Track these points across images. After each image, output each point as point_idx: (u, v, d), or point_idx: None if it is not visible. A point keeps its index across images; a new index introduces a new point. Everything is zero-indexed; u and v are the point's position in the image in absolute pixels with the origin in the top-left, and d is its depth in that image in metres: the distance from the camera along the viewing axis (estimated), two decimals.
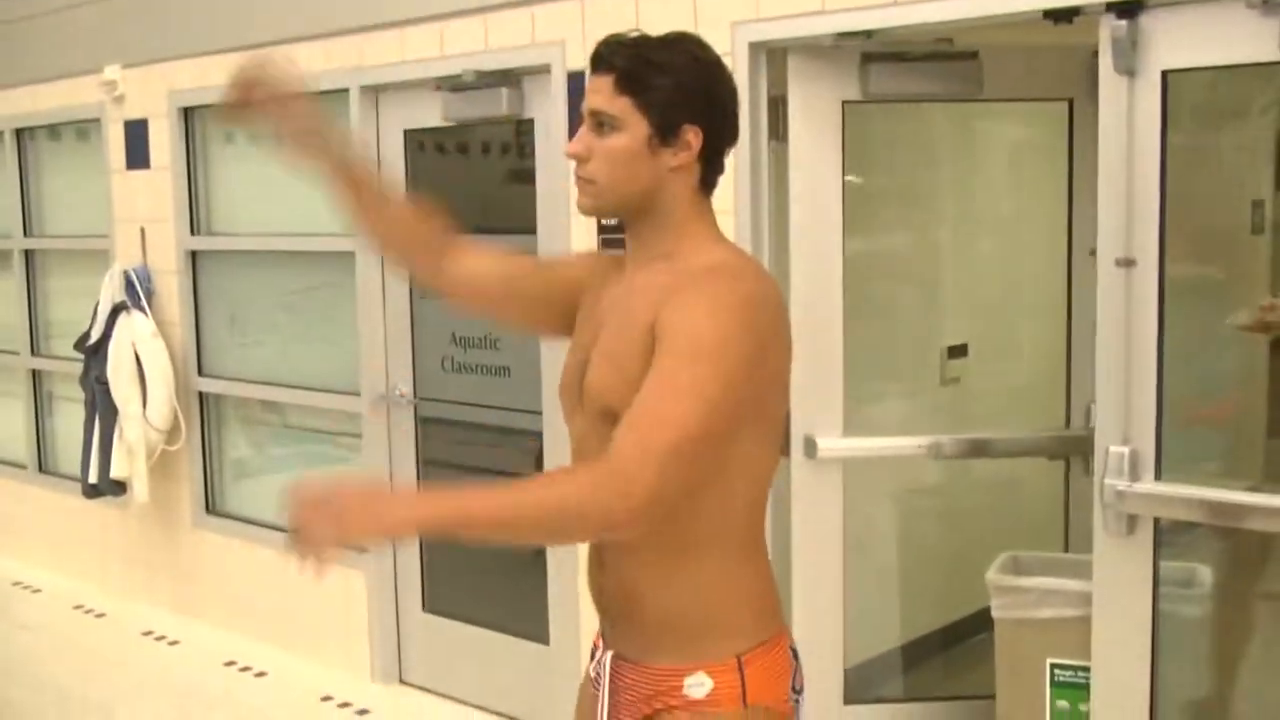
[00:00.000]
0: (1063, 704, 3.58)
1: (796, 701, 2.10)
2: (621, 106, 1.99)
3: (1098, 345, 3.23)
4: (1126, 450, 3.18)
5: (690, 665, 2.02)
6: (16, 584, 6.56)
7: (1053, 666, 3.59)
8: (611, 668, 2.12)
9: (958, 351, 4.44)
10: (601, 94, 2.01)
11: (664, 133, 1.99)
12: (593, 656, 2.23)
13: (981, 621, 3.92)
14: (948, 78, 3.79)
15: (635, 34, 2.04)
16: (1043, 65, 3.96)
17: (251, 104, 2.17)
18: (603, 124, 2.01)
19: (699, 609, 2.03)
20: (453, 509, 1.88)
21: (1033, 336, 4.53)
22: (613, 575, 2.10)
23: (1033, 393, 4.34)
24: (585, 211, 2.10)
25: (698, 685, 2.02)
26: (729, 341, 1.88)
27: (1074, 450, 4.03)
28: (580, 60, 3.91)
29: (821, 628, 3.91)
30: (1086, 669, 3.42)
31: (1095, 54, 3.78)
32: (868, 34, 3.61)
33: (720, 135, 2.05)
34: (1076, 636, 3.46)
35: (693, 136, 2.00)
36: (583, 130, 2.04)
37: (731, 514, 2.02)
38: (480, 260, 2.33)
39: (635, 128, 1.99)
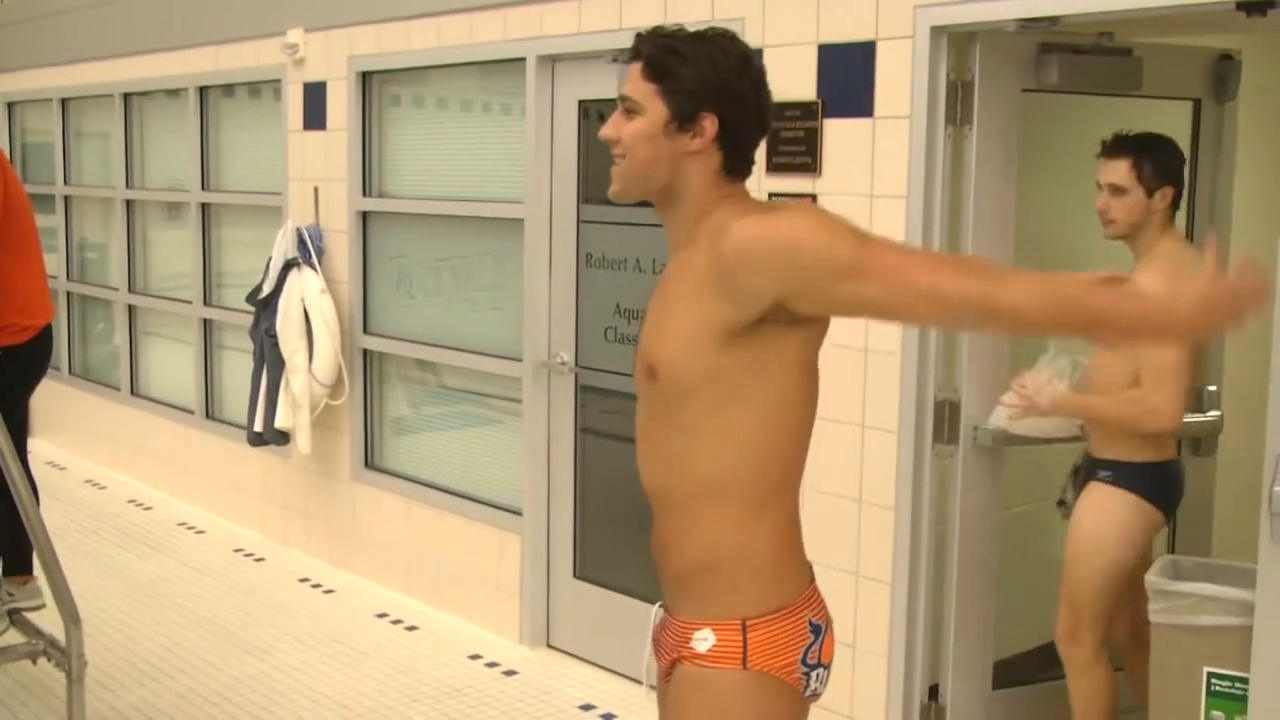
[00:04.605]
0: (1218, 715, 3.50)
1: (807, 675, 2.16)
2: (645, 92, 2.13)
3: (1273, 344, 3.13)
4: None
5: (701, 621, 2.15)
6: (182, 524, 6.83)
7: (1210, 675, 3.51)
8: (658, 619, 2.30)
9: None
10: (631, 80, 2.16)
11: (681, 118, 2.12)
12: None
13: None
14: (1115, 72, 3.92)
15: (674, 27, 2.18)
16: (1177, 65, 4.14)
17: None
18: (629, 108, 2.16)
19: (710, 566, 2.15)
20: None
21: None
22: (654, 529, 2.25)
23: None
24: (615, 195, 2.22)
25: (702, 640, 2.15)
26: (831, 231, 2.01)
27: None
28: (759, 38, 3.92)
29: (975, 619, 3.91)
30: (1245, 680, 3.34)
31: (1221, 56, 4.21)
32: (1052, 20, 3.56)
33: (738, 124, 2.14)
34: (1236, 646, 3.38)
35: (709, 123, 2.12)
36: (615, 115, 2.19)
37: (744, 467, 2.12)
38: None
39: (654, 111, 2.12)
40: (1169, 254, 3.62)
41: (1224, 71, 4.23)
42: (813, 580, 2.24)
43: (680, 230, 2.18)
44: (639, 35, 2.19)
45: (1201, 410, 4.18)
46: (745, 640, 2.12)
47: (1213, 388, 4.21)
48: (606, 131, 2.18)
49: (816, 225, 2.01)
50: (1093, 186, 3.75)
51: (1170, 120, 4.17)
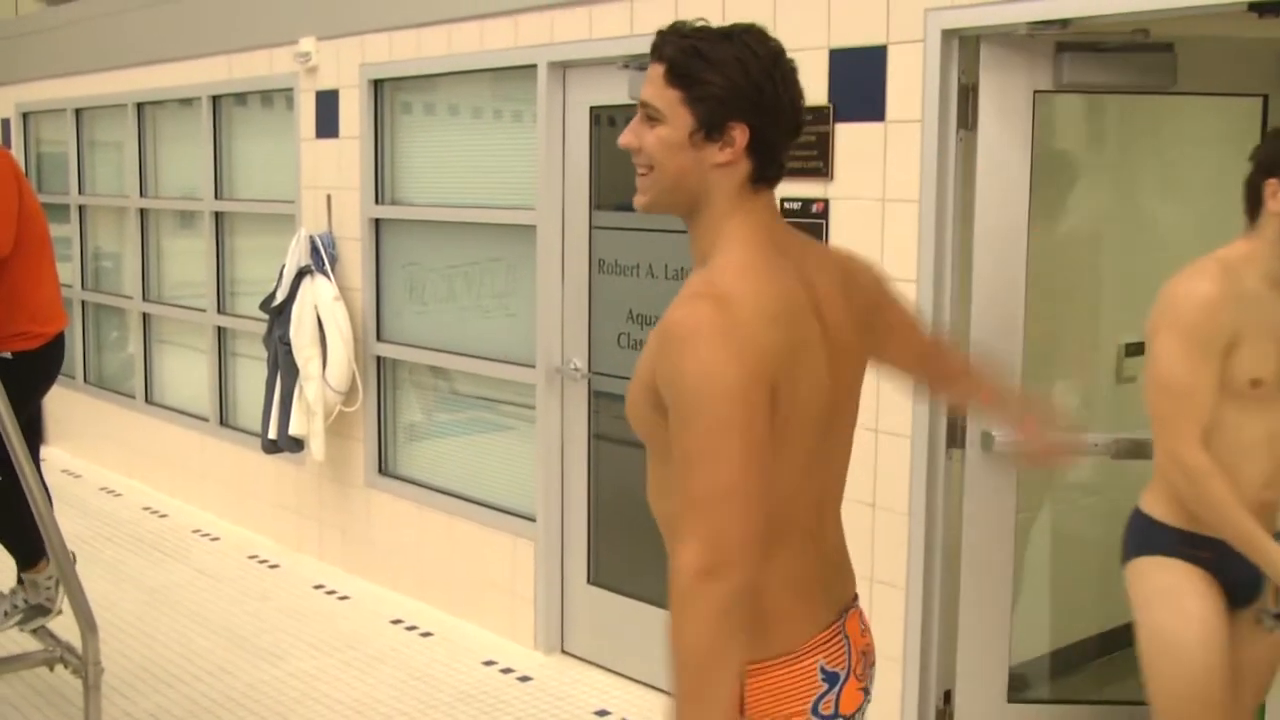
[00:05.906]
0: None
1: None
2: (668, 99, 1.95)
3: None
4: None
5: None
6: (196, 531, 6.84)
7: None
8: None
9: (1135, 349, 4.34)
10: (652, 85, 1.98)
11: (709, 128, 1.95)
12: None
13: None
14: (1141, 70, 3.74)
15: (699, 23, 1.99)
16: (1237, 59, 3.88)
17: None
18: (650, 115, 1.98)
19: None
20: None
21: None
22: None
23: None
24: (644, 208, 2.05)
25: None
26: (711, 380, 1.82)
27: None
28: None
29: (987, 625, 3.89)
30: None
31: None
32: (1063, 23, 3.55)
33: (771, 132, 1.98)
34: None
35: (739, 134, 1.95)
36: (634, 121, 2.02)
37: None
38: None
39: (679, 120, 1.95)
40: None
41: None
42: (832, 624, 2.09)
43: (697, 247, 2.03)
44: (660, 33, 2.00)
45: None
46: (741, 686, 1.96)
47: None
48: (626, 139, 2.02)
49: (711, 358, 1.83)
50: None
51: (1216, 117, 4.07)
